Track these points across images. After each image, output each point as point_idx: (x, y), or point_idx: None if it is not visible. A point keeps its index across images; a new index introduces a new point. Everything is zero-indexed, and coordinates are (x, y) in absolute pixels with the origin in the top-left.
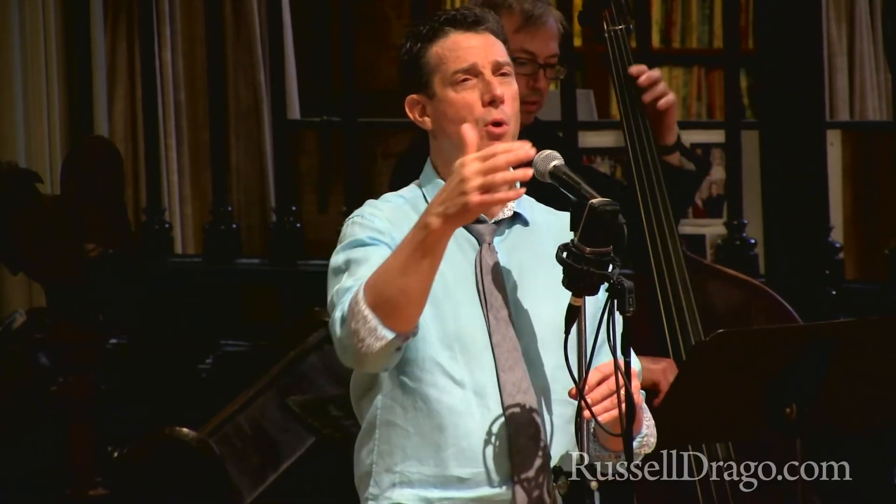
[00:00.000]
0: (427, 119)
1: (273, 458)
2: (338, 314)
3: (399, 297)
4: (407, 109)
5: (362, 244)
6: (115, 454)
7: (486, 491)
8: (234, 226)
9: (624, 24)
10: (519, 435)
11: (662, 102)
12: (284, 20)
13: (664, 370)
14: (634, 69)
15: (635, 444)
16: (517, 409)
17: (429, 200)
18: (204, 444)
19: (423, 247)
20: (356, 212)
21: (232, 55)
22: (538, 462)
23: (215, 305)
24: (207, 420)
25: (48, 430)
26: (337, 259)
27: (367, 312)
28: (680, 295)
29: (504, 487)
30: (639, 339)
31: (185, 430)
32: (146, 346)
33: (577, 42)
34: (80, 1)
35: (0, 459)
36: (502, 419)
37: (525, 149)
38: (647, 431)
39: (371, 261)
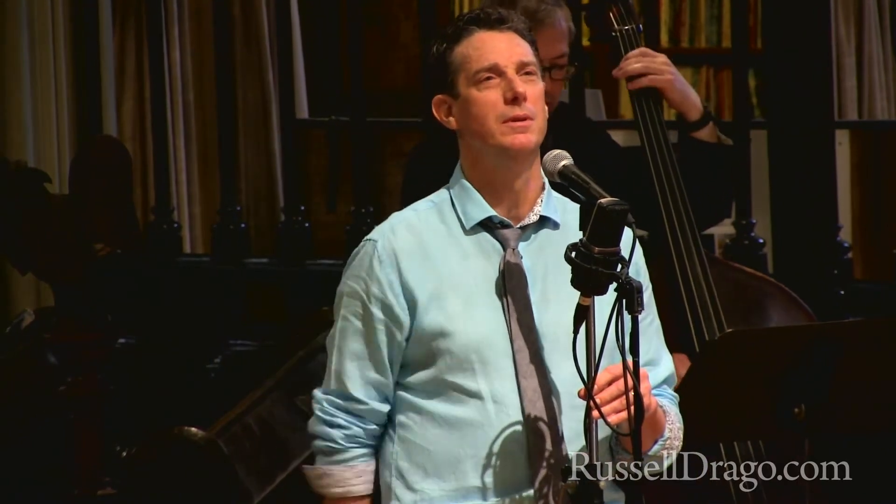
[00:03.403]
0: (452, 119)
1: (282, 457)
2: (313, 420)
3: None
4: (433, 110)
5: (360, 331)
6: (124, 454)
7: (505, 497)
8: (243, 225)
9: (633, 24)
10: (538, 440)
11: (644, 80)
12: (293, 20)
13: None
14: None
15: (656, 446)
16: (537, 415)
17: (456, 205)
18: (212, 443)
19: None
20: (373, 236)
21: (240, 55)
22: (556, 467)
23: (223, 305)
24: (216, 420)
25: (56, 429)
26: (344, 309)
27: (310, 473)
28: (703, 291)
29: (524, 492)
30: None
31: (193, 429)
32: (154, 345)
33: (586, 41)
34: (88, 1)
35: (8, 458)
36: (521, 425)
37: None
38: (670, 434)
39: (361, 366)
